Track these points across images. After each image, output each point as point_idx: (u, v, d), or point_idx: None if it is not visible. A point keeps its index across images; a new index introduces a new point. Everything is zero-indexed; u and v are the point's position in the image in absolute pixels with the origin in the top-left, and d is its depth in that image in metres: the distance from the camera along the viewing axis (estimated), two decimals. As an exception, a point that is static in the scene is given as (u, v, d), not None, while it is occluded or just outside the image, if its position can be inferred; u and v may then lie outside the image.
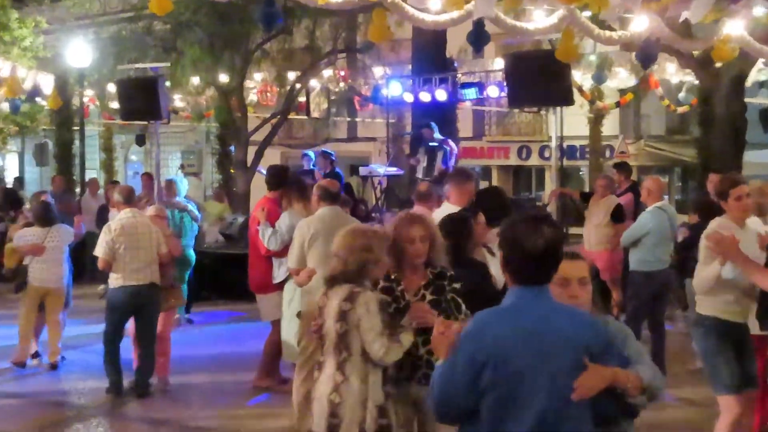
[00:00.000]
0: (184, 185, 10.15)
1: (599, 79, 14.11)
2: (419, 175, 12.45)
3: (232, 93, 15.63)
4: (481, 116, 23.57)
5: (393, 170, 13.67)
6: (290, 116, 17.77)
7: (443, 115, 14.48)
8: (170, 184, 9.85)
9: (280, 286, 6.40)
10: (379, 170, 13.82)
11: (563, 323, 2.46)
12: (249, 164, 15.52)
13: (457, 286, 3.66)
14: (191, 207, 9.69)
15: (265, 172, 8.53)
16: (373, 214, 13.46)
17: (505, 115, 23.20)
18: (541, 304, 2.49)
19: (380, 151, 22.81)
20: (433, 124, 12.80)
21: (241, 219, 12.78)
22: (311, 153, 14.01)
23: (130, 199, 6.75)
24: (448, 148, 12.37)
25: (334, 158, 12.95)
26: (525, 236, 2.47)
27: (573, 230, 12.78)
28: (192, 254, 9.74)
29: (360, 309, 3.49)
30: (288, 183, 6.60)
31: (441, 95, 13.59)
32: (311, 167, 13.35)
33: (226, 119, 16.23)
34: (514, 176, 24.77)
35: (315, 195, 5.76)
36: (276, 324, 6.55)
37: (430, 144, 12.57)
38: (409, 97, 14.20)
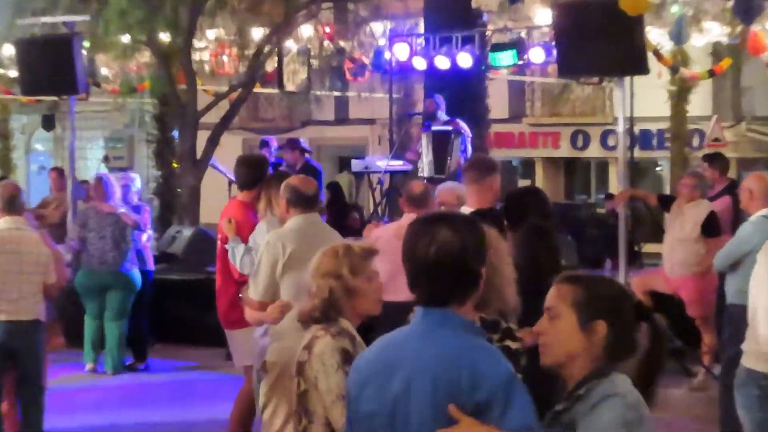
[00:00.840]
0: (136, 184, 10.26)
1: (678, 37, 14.05)
2: (424, 173, 12.55)
3: (176, 58, 15.67)
4: (521, 90, 23.68)
5: (398, 164, 13.80)
6: (255, 90, 17.79)
7: (468, 88, 14.56)
8: (98, 183, 9.93)
9: None
10: (379, 164, 13.92)
11: (431, 360, 2.50)
12: (199, 156, 15.59)
13: (514, 345, 3.69)
14: (127, 211, 9.79)
15: (221, 166, 8.48)
16: (371, 224, 13.53)
17: (555, 88, 23.30)
18: (420, 331, 2.56)
19: (380, 138, 22.84)
20: (437, 97, 12.95)
21: (188, 231, 12.86)
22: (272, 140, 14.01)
23: (12, 204, 6.53)
24: (465, 134, 12.49)
25: (305, 148, 13.11)
26: (415, 240, 2.59)
27: (649, 248, 12.82)
28: (135, 275, 9.86)
29: (315, 362, 3.56)
30: (268, 179, 6.71)
31: (465, 61, 13.64)
32: (274, 159, 13.43)
33: (166, 94, 16.29)
34: (566, 172, 24.86)
35: (283, 198, 5.89)
36: (251, 371, 6.60)
37: (436, 129, 12.66)
38: (420, 64, 14.26)
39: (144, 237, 10.20)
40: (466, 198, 6.49)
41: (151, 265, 10.44)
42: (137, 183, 10.42)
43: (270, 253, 5.69)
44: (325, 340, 3.58)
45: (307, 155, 13.06)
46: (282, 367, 5.52)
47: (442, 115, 12.67)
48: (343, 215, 14.32)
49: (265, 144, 13.84)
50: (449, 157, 12.24)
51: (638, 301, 2.67)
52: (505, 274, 3.75)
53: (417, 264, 2.58)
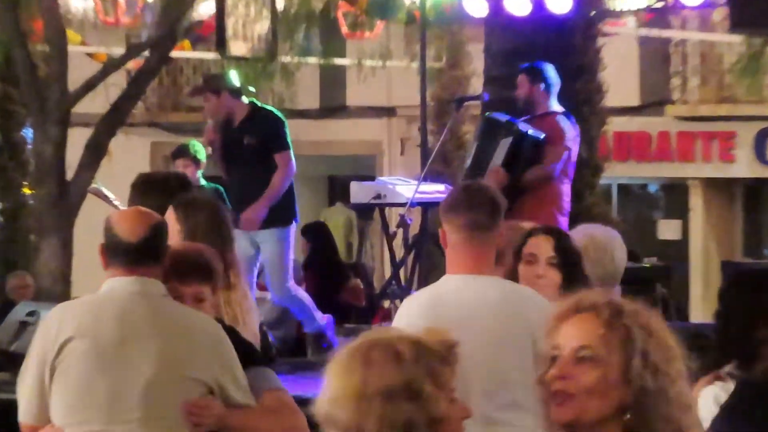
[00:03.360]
0: None
1: None
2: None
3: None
4: (663, 56, 23.87)
5: (437, 191, 13.97)
6: (175, 54, 18.22)
7: (565, 51, 14.87)
8: None
9: None
10: (402, 191, 13.96)
11: None
12: (71, 175, 15.72)
13: None
14: None
15: (111, 195, 8.60)
16: (387, 301, 13.69)
17: (725, 53, 23.40)
18: None
19: (404, 143, 23.44)
20: (545, 68, 13.28)
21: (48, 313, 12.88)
22: (196, 145, 14.26)
23: None
24: (532, 133, 12.80)
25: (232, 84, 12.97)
26: None
27: None
28: None
29: None
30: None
31: (559, 4, 13.71)
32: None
33: (11, 59, 16.56)
34: (745, 207, 25.04)
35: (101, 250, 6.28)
36: None
37: (497, 118, 13.06)
38: (477, 6, 14.32)
39: None
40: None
41: None
42: None
43: (39, 340, 6.07)
44: None
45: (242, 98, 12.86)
46: None
47: (556, 106, 13.05)
48: (334, 283, 14.51)
49: (181, 152, 14.05)
50: (486, 168, 12.73)
51: None
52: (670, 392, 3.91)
53: None
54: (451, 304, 6.45)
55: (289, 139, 12.54)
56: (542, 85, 12.97)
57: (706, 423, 5.70)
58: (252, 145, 12.34)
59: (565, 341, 3.86)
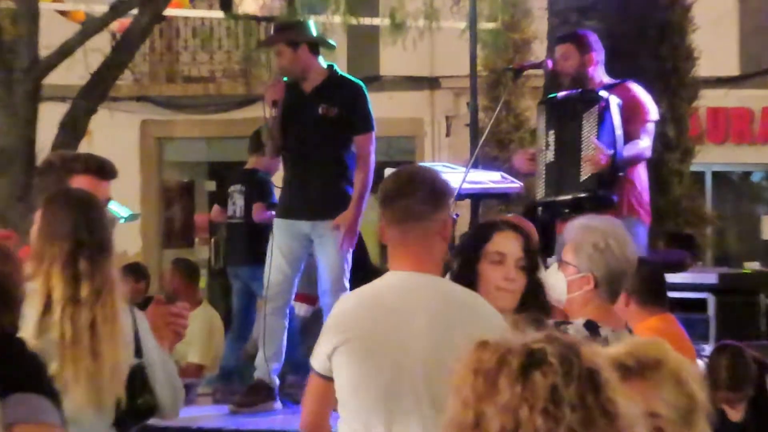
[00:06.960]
0: None
1: None
2: (538, 192, 13.21)
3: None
4: (766, 14, 23.78)
5: (492, 180, 14.17)
6: (169, 12, 18.54)
7: (647, 8, 15.18)
8: None
9: None
10: (449, 179, 13.67)
11: None
12: (38, 161, 15.43)
13: None
14: None
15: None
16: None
17: None
18: None
19: (450, 122, 23.69)
20: (589, 38, 13.17)
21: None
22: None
23: None
24: (615, 103, 12.62)
25: None
26: None
27: None
28: None
29: None
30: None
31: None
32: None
33: None
34: None
35: None
36: None
37: (560, 95, 13.08)
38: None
39: None
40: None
41: None
42: None
43: None
44: None
45: None
46: None
47: (600, 76, 12.85)
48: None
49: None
50: (579, 155, 12.63)
51: None
52: None
53: None
54: (388, 305, 6.74)
55: (373, 120, 12.44)
56: (594, 55, 12.78)
57: None
58: (328, 116, 12.38)
59: None
